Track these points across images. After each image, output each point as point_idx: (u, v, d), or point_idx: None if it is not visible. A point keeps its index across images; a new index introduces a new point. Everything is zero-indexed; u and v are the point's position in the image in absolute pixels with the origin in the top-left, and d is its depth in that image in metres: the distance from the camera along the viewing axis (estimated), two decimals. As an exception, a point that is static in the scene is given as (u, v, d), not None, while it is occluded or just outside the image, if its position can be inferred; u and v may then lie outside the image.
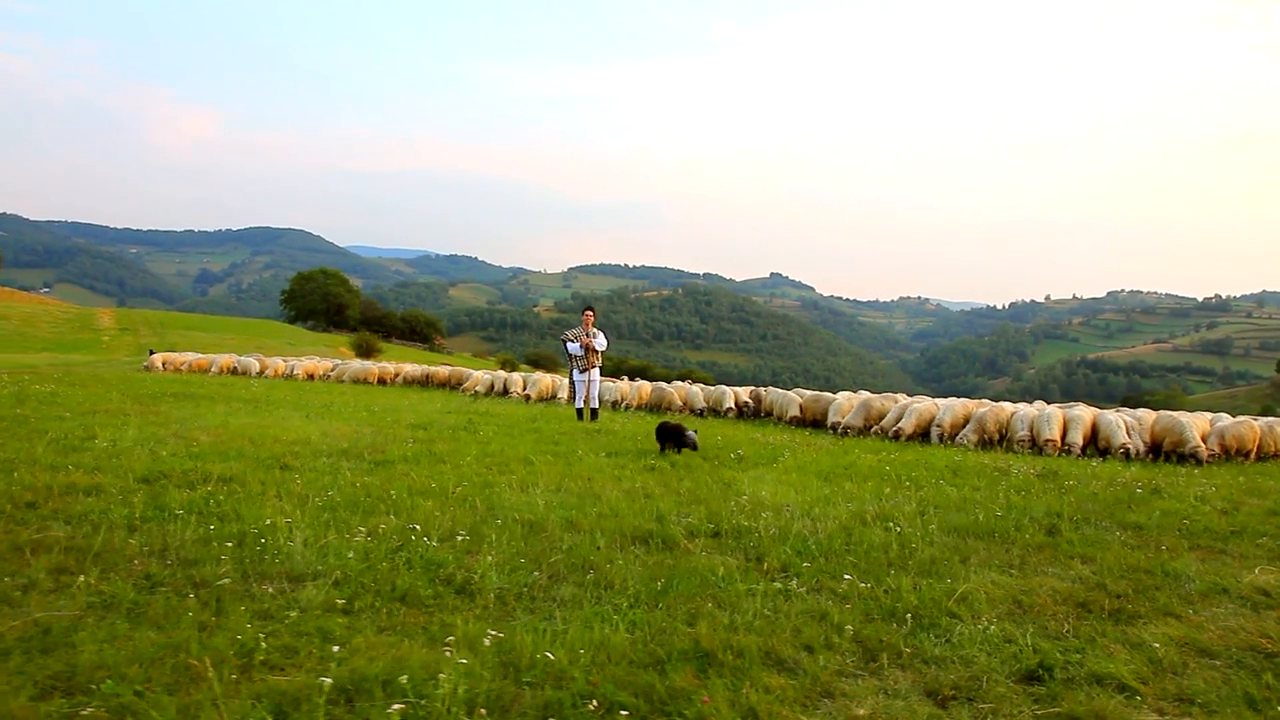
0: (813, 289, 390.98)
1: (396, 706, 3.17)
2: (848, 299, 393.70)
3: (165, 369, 33.66)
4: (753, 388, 22.32)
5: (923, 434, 15.43)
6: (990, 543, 6.31)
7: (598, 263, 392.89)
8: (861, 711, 3.33)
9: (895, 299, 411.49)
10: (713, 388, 23.43)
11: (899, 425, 15.43)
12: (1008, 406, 15.62)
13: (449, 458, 10.52)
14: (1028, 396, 18.00)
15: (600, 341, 17.89)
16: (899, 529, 6.50)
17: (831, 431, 16.84)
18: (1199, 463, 13.64)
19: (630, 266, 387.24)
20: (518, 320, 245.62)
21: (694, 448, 11.21)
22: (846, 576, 5.03)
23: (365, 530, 5.95)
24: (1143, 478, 10.58)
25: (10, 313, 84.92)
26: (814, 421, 18.51)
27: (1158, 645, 4.08)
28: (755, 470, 10.15)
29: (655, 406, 22.54)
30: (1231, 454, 14.78)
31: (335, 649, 3.77)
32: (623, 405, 22.53)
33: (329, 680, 3.32)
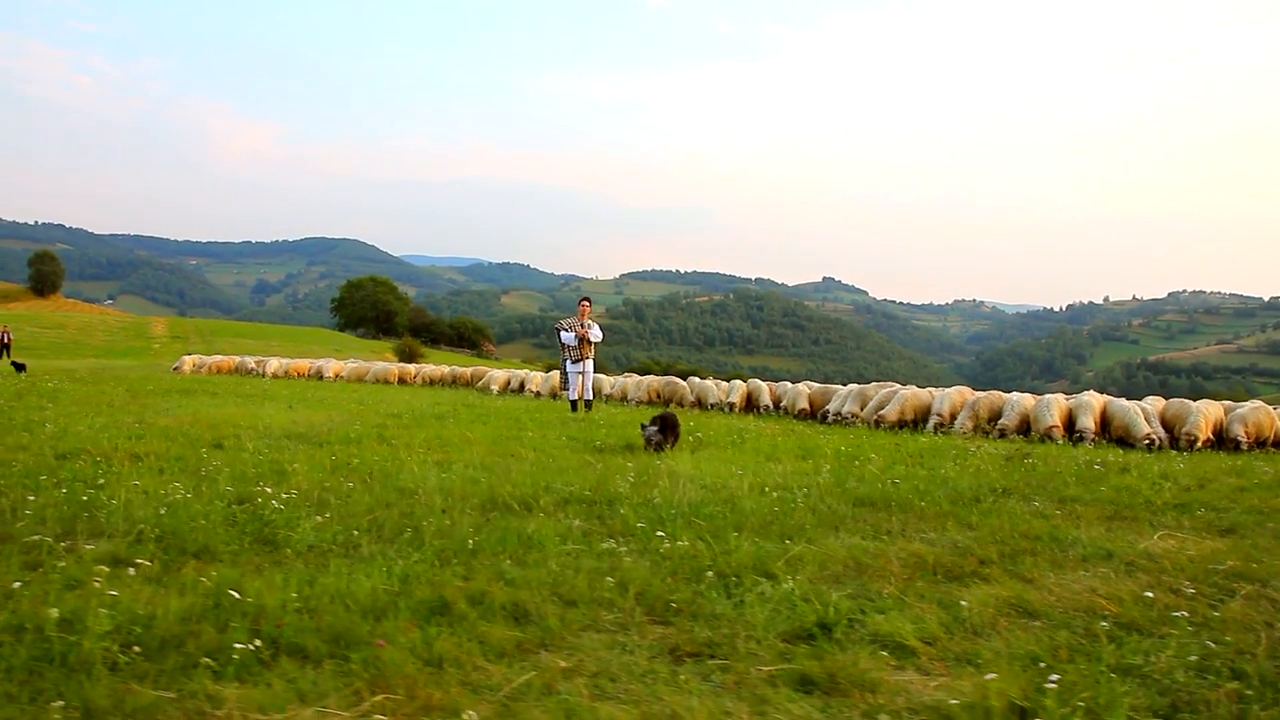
0: (866, 292, 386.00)
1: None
2: (901, 302, 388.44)
3: (194, 370, 34.20)
4: (757, 380, 21.78)
5: (916, 422, 14.91)
6: (887, 512, 5.90)
7: (649, 269, 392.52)
8: (564, 664, 3.00)
9: (950, 302, 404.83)
10: (726, 382, 22.96)
11: (881, 412, 14.93)
12: (1001, 395, 15.01)
13: (396, 439, 10.42)
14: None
15: (595, 333, 17.58)
16: (796, 499, 6.12)
17: (822, 420, 16.36)
18: (1190, 447, 13.00)
19: (682, 272, 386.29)
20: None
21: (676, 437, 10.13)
22: (682, 541, 4.66)
23: (225, 496, 5.81)
24: (1123, 459, 10.00)
25: (69, 322, 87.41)
26: (824, 415, 17.98)
27: (966, 605, 3.67)
28: (706, 451, 9.82)
29: (668, 400, 22.16)
30: (1250, 441, 14.04)
31: (71, 594, 3.59)
32: (631, 401, 22.15)
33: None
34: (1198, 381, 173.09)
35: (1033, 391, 16.10)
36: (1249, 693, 2.82)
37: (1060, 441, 13.07)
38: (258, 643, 3.06)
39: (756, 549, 4.52)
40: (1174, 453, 12.52)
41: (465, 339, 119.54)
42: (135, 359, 59.38)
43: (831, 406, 16.64)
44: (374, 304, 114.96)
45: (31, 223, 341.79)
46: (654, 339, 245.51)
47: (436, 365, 34.30)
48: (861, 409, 15.87)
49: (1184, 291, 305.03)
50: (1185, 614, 3.59)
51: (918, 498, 6.38)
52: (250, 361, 35.05)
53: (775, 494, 6.32)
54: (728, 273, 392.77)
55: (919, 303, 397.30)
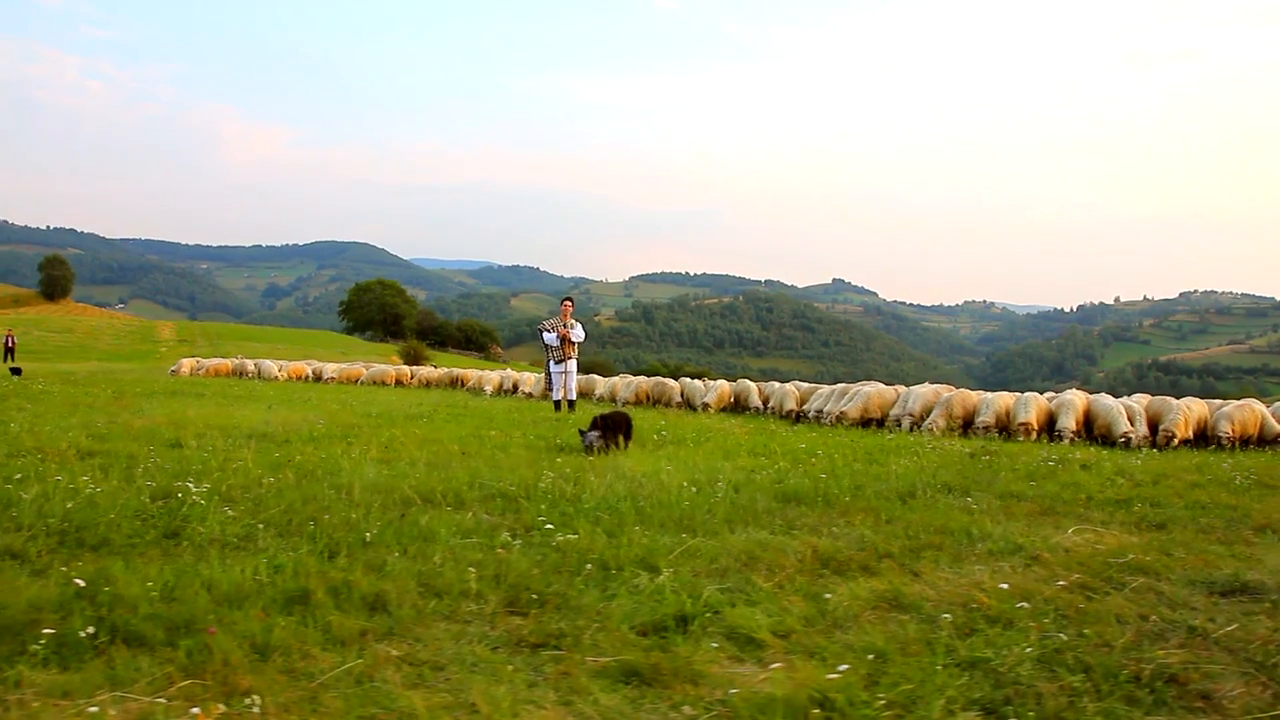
0: (876, 294, 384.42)
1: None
2: (911, 304, 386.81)
3: (192, 373, 34.35)
4: (746, 381, 21.70)
5: (884, 420, 14.86)
6: (810, 508, 5.85)
7: (659, 271, 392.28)
8: (397, 653, 2.98)
9: (960, 303, 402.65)
10: (715, 382, 22.90)
11: (843, 409, 14.92)
12: (975, 393, 14.92)
13: (361, 438, 10.43)
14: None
15: (577, 333, 17.53)
16: (717, 495, 6.07)
17: (797, 420, 16.33)
18: (1169, 444, 12.90)
19: (691, 274, 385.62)
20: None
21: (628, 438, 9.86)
22: (574, 535, 4.63)
23: (149, 490, 5.81)
24: (1084, 457, 9.91)
25: (76, 326, 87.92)
26: (798, 416, 17.92)
27: (831, 598, 3.63)
28: (666, 450, 9.78)
29: (657, 401, 22.12)
30: (1235, 438, 13.90)
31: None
32: (617, 401, 22.12)
33: None
34: (1209, 382, 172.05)
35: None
36: (1086, 685, 2.77)
37: (1032, 439, 12.98)
38: (91, 629, 3.05)
39: (652, 542, 4.49)
40: (1154, 451, 12.43)
41: (473, 341, 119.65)
42: (140, 362, 59.59)
43: (810, 406, 16.59)
44: (381, 307, 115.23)
45: (44, 227, 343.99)
46: (663, 341, 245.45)
47: (433, 368, 34.37)
48: (848, 408, 15.80)
49: (1195, 291, 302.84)
50: (1061, 607, 3.54)
51: (848, 494, 6.33)
52: (249, 364, 35.20)
53: (699, 489, 6.28)
54: (737, 274, 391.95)
55: (929, 304, 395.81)
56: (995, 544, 4.79)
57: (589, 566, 4.01)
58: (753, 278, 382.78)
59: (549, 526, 4.78)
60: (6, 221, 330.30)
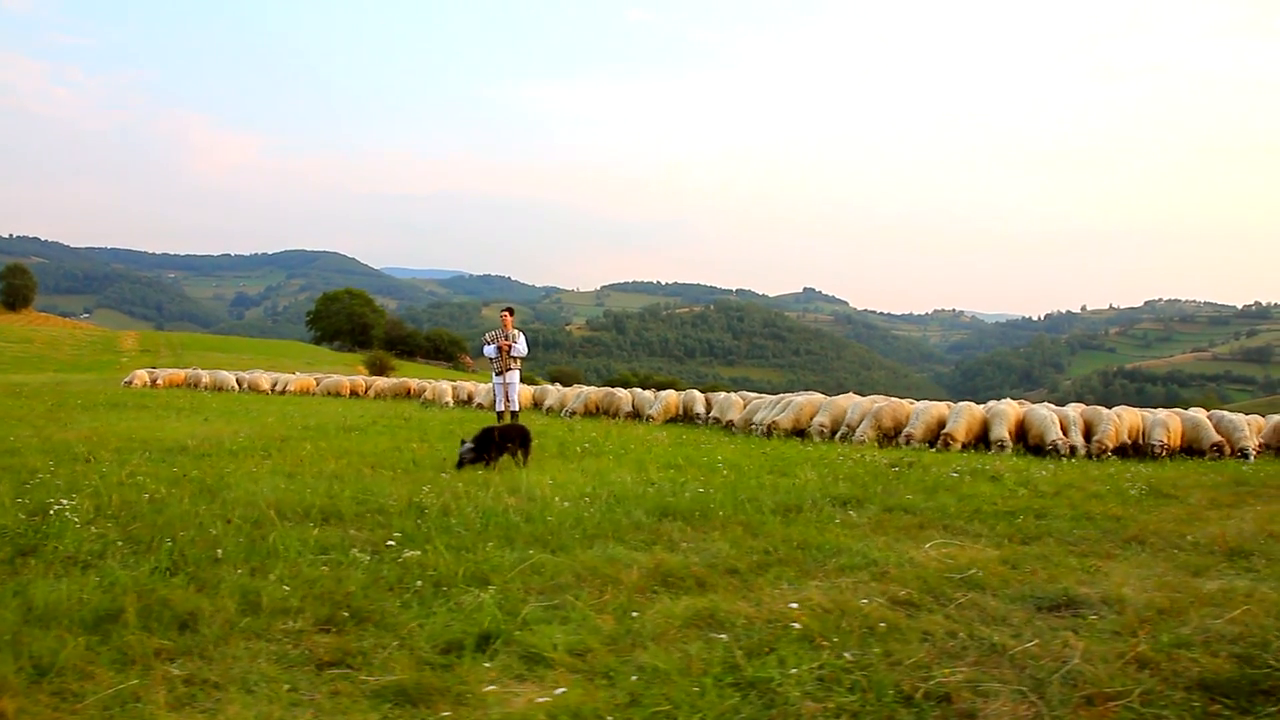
0: (846, 303, 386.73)
1: None
2: (882, 312, 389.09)
3: (146, 385, 33.93)
4: (694, 391, 21.76)
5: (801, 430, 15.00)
6: (682, 522, 5.90)
7: (630, 280, 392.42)
8: (179, 673, 3.01)
9: (929, 311, 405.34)
10: (663, 392, 22.94)
11: (776, 418, 15.07)
12: (908, 403, 15.03)
13: (282, 452, 10.39)
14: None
15: (519, 347, 17.45)
16: (595, 509, 6.09)
17: (729, 429, 16.49)
18: (1102, 454, 13.12)
19: (663, 284, 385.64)
20: (550, 339, 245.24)
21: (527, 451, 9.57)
22: (417, 551, 4.64)
23: (21, 507, 5.78)
24: (1006, 468, 9.98)
25: (35, 336, 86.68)
26: (730, 424, 18.05)
27: (637, 616, 3.66)
28: (585, 461, 9.80)
29: (606, 411, 22.13)
30: (1169, 448, 14.07)
31: None
32: (564, 411, 22.11)
33: None
34: (1174, 389, 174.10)
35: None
36: (855, 705, 2.81)
37: (956, 449, 13.10)
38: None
39: (500, 558, 4.51)
40: (1088, 460, 12.61)
41: (441, 351, 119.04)
42: (100, 373, 58.79)
43: (750, 415, 16.67)
44: (350, 316, 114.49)
45: (6, 235, 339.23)
46: (635, 351, 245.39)
47: (387, 379, 34.24)
48: (780, 418, 15.89)
49: (1160, 300, 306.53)
50: (874, 624, 3.58)
51: (729, 508, 6.36)
52: (204, 375, 34.86)
53: (576, 504, 6.30)
54: (709, 283, 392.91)
55: (899, 313, 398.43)
56: (849, 559, 4.84)
57: (419, 583, 4.02)
58: (724, 287, 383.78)
59: (390, 544, 4.78)
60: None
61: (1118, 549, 5.52)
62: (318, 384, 33.48)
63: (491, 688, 2.94)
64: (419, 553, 4.56)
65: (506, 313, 17.82)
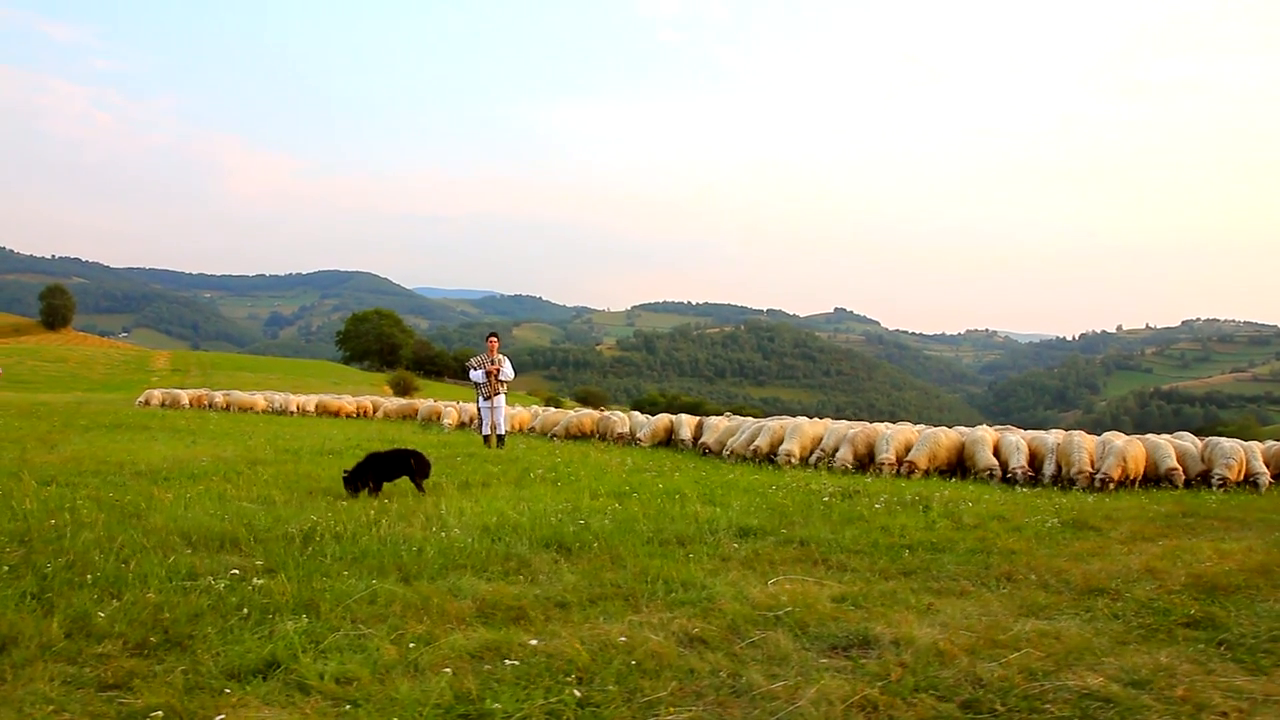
0: (878, 323, 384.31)
1: None
2: (913, 332, 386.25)
3: (160, 405, 34.62)
4: (684, 415, 21.92)
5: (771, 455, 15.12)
6: (565, 554, 6.06)
7: (661, 300, 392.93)
8: None
9: (962, 332, 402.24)
10: (655, 417, 23.10)
11: (734, 446, 15.21)
12: (881, 427, 15.11)
13: (242, 476, 10.63)
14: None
15: (506, 371, 17.76)
16: (485, 540, 6.30)
17: (702, 453, 16.70)
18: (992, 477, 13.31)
19: (693, 304, 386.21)
20: (580, 359, 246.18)
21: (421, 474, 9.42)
22: (264, 580, 4.89)
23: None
24: (931, 499, 9.99)
25: (71, 355, 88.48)
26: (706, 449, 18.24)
27: (426, 646, 3.85)
28: (525, 489, 9.93)
29: (601, 435, 22.38)
30: (1120, 479, 13.85)
31: None
32: (549, 435, 22.42)
33: None
34: (1212, 410, 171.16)
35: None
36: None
37: (917, 477, 13.18)
38: None
39: (344, 587, 4.74)
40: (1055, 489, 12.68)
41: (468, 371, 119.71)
42: (127, 392, 59.82)
43: (728, 442, 16.80)
44: (379, 336, 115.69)
45: (49, 256, 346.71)
46: (665, 371, 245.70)
47: (394, 400, 34.72)
48: (751, 443, 16.02)
49: (1198, 319, 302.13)
50: (646, 662, 3.75)
51: (622, 538, 6.53)
52: (218, 395, 35.50)
53: (462, 534, 6.50)
54: (739, 304, 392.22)
55: (931, 333, 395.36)
56: (688, 594, 5.00)
57: (246, 610, 4.26)
58: (755, 307, 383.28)
59: (235, 572, 5.03)
60: (12, 251, 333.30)
61: (976, 586, 5.61)
62: (316, 405, 33.87)
63: (246, 712, 3.16)
64: (264, 581, 4.80)
65: (493, 338, 18.15)
